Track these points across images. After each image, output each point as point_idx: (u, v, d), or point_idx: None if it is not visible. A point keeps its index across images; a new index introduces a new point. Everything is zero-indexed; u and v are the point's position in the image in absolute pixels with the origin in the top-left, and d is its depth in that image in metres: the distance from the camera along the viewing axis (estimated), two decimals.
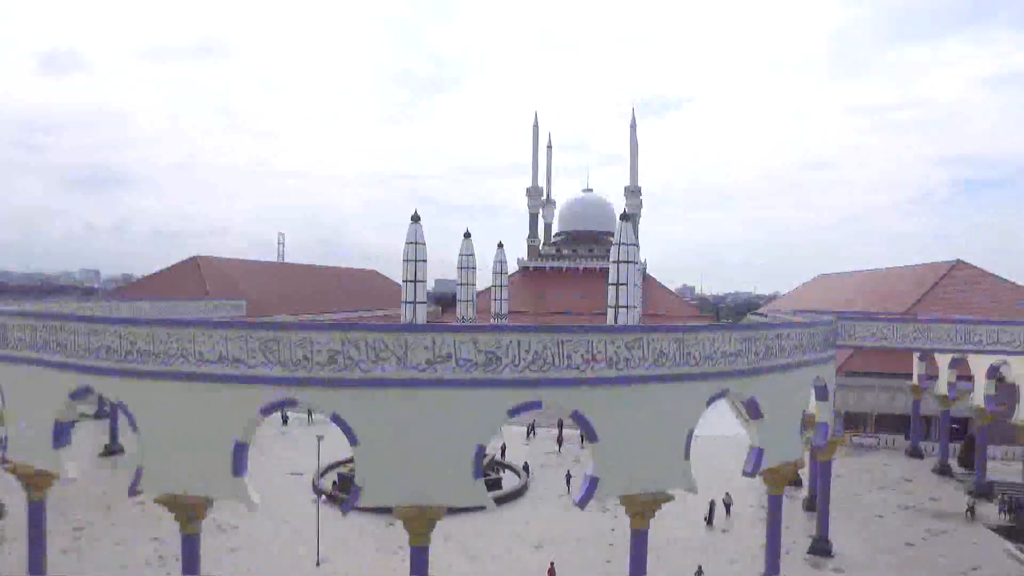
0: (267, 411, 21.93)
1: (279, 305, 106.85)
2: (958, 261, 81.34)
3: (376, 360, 21.08)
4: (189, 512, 22.66)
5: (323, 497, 39.68)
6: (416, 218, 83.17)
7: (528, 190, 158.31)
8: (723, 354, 24.59)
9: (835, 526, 37.46)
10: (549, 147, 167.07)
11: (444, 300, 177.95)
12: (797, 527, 37.72)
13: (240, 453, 22.08)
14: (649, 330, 23.58)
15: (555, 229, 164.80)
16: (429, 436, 21.45)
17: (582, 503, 23.43)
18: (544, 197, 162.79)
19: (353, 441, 21.55)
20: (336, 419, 21.60)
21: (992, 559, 34.56)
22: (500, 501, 36.70)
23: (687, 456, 24.04)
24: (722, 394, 25.10)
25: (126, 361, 22.46)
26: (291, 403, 22.16)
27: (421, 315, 79.70)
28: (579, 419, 22.91)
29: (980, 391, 43.39)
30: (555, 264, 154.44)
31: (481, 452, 22.15)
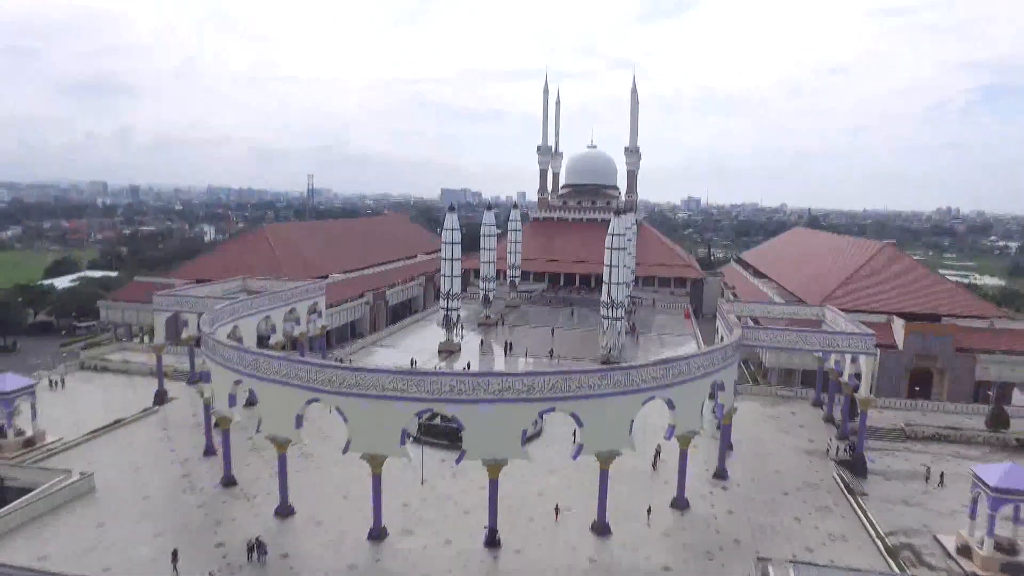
0: (419, 415, 43.76)
1: (333, 263, 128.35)
2: (886, 244, 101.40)
3: (474, 389, 42.47)
4: (377, 461, 44.69)
5: (412, 438, 62.00)
6: (452, 208, 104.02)
7: (539, 148, 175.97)
8: (652, 377, 45.97)
9: (739, 461, 59.98)
10: (558, 103, 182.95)
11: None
12: (714, 460, 59.56)
13: (404, 434, 43.83)
14: (609, 370, 44.95)
15: (562, 180, 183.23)
16: (501, 425, 43.10)
17: (575, 457, 45.55)
18: (553, 150, 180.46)
19: (461, 428, 43.29)
20: (455, 418, 43.36)
21: (823, 480, 57.00)
22: (525, 440, 58.67)
23: (630, 432, 45.78)
24: (651, 398, 46.57)
25: (339, 388, 43.87)
26: (434, 414, 43.76)
27: (457, 286, 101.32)
28: (574, 416, 44.53)
29: (847, 371, 64.51)
30: (562, 215, 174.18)
31: (525, 433, 43.93)
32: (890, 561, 43.81)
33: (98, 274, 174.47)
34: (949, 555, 45.52)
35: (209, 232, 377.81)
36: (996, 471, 44.01)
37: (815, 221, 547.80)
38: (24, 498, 47.91)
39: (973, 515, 45.49)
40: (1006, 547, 43.76)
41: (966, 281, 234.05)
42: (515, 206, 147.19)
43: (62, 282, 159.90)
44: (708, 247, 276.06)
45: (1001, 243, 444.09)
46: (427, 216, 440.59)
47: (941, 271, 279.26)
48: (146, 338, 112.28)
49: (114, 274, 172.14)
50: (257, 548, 42.82)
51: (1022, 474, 43.63)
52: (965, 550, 45.03)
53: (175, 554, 42.32)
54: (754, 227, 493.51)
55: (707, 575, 42.68)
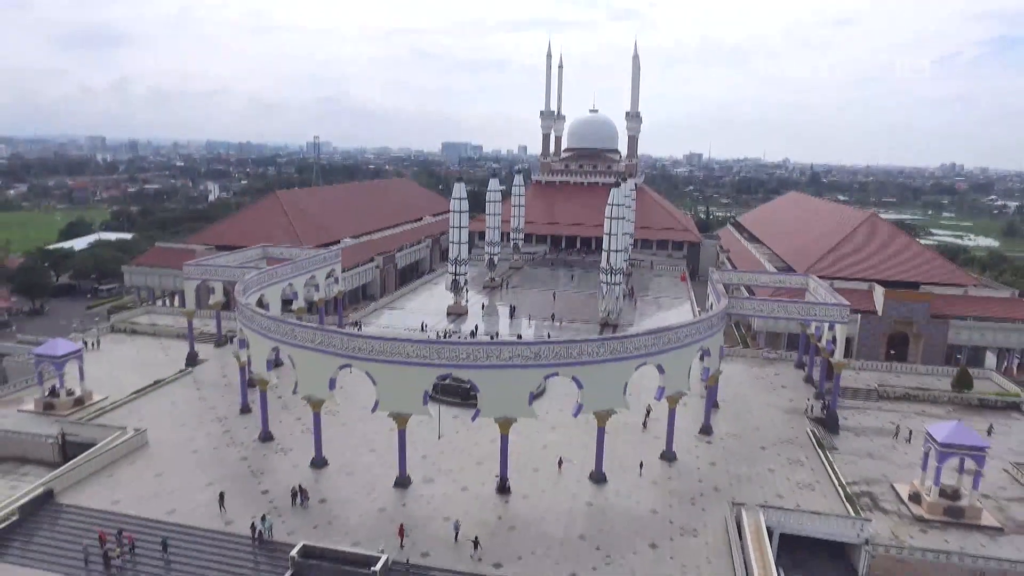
0: (440, 379, 49.78)
1: (344, 228, 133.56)
2: (872, 213, 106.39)
3: (488, 356, 48.37)
4: (402, 419, 50.90)
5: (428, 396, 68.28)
6: (460, 178, 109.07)
7: (542, 112, 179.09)
8: (644, 345, 51.89)
9: (724, 418, 66.37)
10: (560, 67, 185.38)
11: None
12: (701, 418, 65.83)
13: (426, 395, 49.90)
14: (606, 339, 50.83)
15: (564, 144, 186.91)
16: (511, 387, 49.14)
17: (575, 415, 51.81)
18: (556, 114, 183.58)
19: (477, 391, 49.37)
20: (470, 381, 49.41)
21: (798, 436, 63.42)
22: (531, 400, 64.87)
23: (624, 393, 51.89)
24: (643, 364, 52.56)
25: (369, 355, 49.76)
26: (448, 376, 49.82)
27: (465, 252, 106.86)
28: (575, 379, 50.55)
29: (825, 336, 70.42)
30: (564, 179, 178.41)
31: (532, 395, 50.02)
32: (848, 506, 50.33)
33: (113, 236, 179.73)
34: (902, 501, 52.05)
35: (213, 190, 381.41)
36: (944, 428, 50.15)
37: (816, 178, 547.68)
38: (90, 451, 54.31)
39: (925, 467, 51.84)
40: (950, 494, 50.22)
41: (959, 242, 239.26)
42: (518, 171, 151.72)
43: (79, 244, 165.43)
44: (707, 207, 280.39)
45: (1000, 202, 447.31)
46: (427, 171, 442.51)
47: (936, 232, 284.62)
48: (167, 301, 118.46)
49: (128, 236, 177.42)
50: (300, 494, 49.31)
51: (966, 431, 49.83)
52: (915, 497, 51.53)
53: (222, 496, 48.83)
54: (755, 184, 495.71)
55: (689, 517, 49.17)
